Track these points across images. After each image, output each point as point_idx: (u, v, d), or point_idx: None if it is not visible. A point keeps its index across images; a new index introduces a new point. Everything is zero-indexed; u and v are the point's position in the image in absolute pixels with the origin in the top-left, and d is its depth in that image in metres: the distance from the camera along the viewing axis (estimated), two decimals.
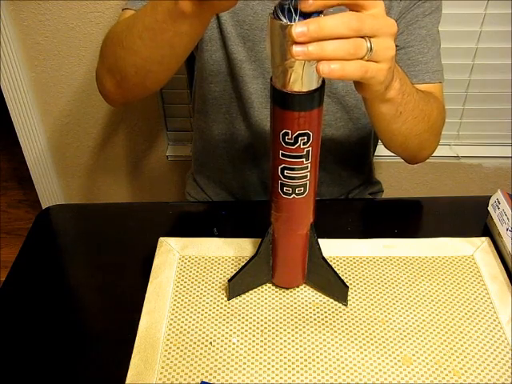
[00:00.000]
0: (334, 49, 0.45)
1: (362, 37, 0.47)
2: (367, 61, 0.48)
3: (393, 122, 0.66)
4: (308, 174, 0.54)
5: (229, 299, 0.64)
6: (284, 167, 0.53)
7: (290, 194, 0.56)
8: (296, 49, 0.43)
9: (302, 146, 0.51)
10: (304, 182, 0.55)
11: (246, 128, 0.87)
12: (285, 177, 0.54)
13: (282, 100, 0.49)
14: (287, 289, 0.66)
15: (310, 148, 0.52)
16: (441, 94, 0.82)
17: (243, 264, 0.63)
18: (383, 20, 0.48)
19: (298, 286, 0.66)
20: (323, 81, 0.49)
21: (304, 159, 0.53)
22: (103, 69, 0.70)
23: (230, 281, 0.63)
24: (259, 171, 0.92)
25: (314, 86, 0.48)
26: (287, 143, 0.51)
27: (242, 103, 0.85)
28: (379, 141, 0.99)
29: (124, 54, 0.64)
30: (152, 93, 0.73)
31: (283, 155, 0.53)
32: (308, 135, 0.51)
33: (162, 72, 0.66)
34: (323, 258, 0.63)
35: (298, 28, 0.43)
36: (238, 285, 0.64)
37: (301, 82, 0.47)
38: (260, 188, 0.94)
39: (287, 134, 0.51)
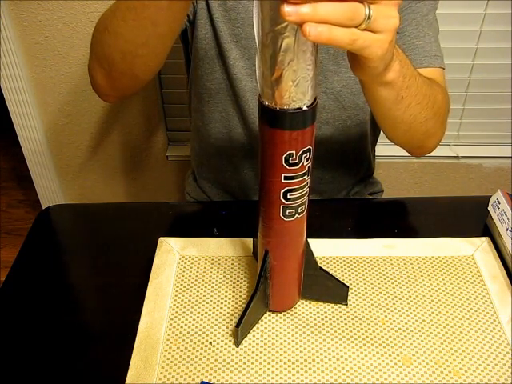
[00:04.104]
0: (328, 11, 0.41)
1: (361, 2, 0.43)
2: (365, 29, 0.45)
3: (394, 108, 0.62)
4: (308, 189, 0.51)
5: (238, 346, 0.59)
6: (287, 190, 0.50)
7: (293, 216, 0.52)
8: (287, 8, 0.39)
9: (304, 164, 0.49)
10: (304, 199, 0.52)
11: (243, 126, 0.88)
12: (288, 200, 0.51)
13: (288, 120, 0.46)
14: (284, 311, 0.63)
15: (310, 163, 0.49)
16: (443, 80, 0.78)
17: (245, 305, 0.60)
18: None
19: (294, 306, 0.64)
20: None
21: (306, 176, 0.50)
22: (93, 60, 0.69)
23: (237, 326, 0.58)
24: (257, 168, 0.92)
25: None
26: (291, 164, 0.48)
27: (237, 101, 0.85)
28: (381, 134, 0.98)
29: (110, 40, 0.63)
30: (143, 83, 0.70)
31: (286, 178, 0.49)
32: (309, 150, 0.48)
33: (148, 57, 0.64)
34: (320, 268, 0.62)
35: None
36: (244, 327, 0.59)
37: (295, 55, 0.43)
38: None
39: (291, 155, 0.47)
